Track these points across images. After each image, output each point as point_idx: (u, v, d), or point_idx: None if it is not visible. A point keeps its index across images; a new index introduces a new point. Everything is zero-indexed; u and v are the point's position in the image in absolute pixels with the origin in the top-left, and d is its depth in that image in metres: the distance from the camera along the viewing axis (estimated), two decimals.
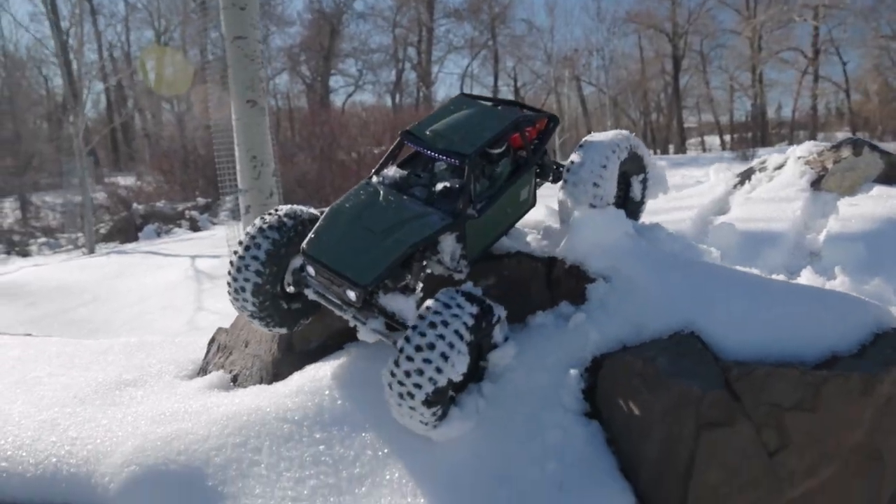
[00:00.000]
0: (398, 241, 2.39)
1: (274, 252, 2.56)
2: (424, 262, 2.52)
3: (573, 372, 2.40)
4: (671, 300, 2.44)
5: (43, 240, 15.38)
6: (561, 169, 2.92)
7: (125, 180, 20.82)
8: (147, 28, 30.64)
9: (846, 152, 5.87)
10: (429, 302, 2.25)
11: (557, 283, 2.71)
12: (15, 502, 2.35)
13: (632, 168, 3.00)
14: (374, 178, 2.66)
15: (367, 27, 40.50)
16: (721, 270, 2.64)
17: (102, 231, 14.93)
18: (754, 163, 7.09)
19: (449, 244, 2.51)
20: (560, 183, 2.88)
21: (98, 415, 2.66)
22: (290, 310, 2.68)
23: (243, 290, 2.56)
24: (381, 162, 2.72)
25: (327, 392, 2.51)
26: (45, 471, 2.40)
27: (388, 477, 2.23)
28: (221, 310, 5.78)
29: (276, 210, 2.67)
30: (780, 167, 6.44)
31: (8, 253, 14.04)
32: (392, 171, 2.67)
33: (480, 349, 2.37)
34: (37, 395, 2.91)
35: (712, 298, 2.40)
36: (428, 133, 2.64)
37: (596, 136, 2.92)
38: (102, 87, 27.07)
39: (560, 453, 2.20)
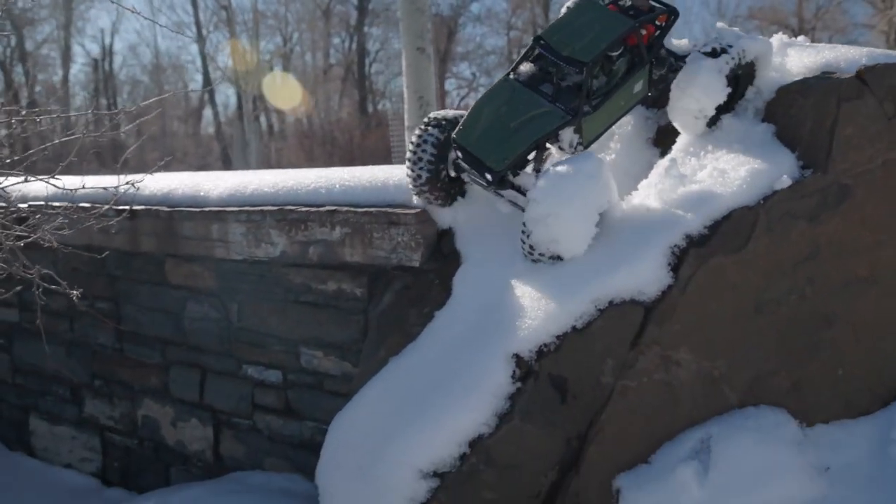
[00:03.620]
0: (526, 136, 2.98)
1: (437, 143, 3.20)
2: (548, 147, 3.13)
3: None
4: None
5: None
6: (679, 62, 3.25)
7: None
8: (276, 34, 32.63)
9: None
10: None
11: None
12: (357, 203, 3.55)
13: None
14: (511, 76, 3.18)
15: (483, 30, 41.03)
16: None
17: None
18: None
19: (567, 135, 3.04)
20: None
21: None
22: (450, 191, 3.35)
23: (420, 177, 3.24)
24: (517, 61, 3.24)
25: None
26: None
27: None
28: None
29: (432, 115, 3.34)
30: None
31: None
32: (526, 68, 3.20)
33: None
34: None
35: None
36: (555, 39, 3.09)
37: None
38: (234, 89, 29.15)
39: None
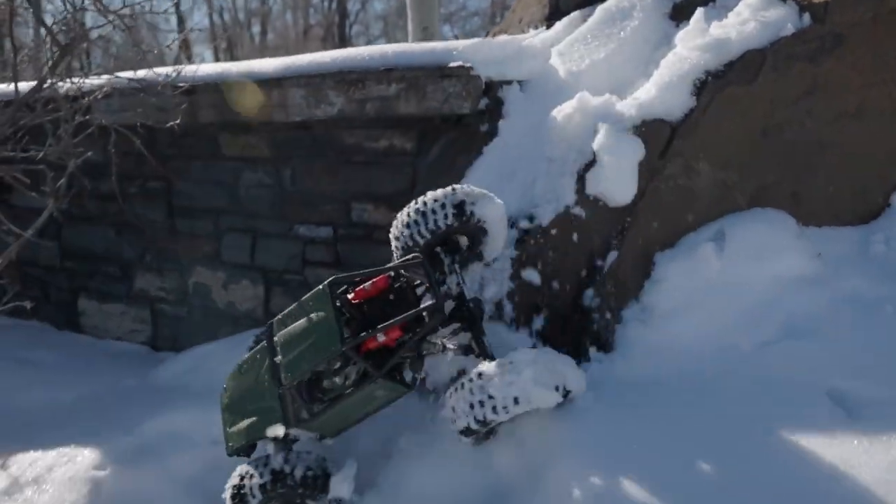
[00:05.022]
0: (247, 433, 2.77)
1: None
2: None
3: None
4: None
5: None
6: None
7: None
8: None
9: None
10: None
11: None
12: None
13: None
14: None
15: None
16: None
17: None
18: None
19: (296, 431, 2.74)
20: None
21: None
22: None
23: None
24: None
25: None
26: None
27: None
28: None
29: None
30: None
31: None
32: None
33: None
34: None
35: None
36: (280, 332, 2.69)
37: None
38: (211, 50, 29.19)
39: None
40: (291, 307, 2.79)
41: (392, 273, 2.67)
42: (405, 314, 2.53)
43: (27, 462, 3.14)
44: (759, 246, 3.11)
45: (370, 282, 2.64)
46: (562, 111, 3.43)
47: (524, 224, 3.24)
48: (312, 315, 2.62)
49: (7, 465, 3.16)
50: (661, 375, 2.82)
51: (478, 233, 2.88)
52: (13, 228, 3.66)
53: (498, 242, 2.98)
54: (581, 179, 3.21)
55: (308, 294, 2.73)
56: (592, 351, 3.03)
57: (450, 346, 2.73)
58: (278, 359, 2.63)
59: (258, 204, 4.72)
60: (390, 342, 2.57)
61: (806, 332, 2.83)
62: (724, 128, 3.35)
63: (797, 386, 2.60)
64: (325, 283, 2.66)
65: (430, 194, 2.94)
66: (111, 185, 4.91)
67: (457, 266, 2.85)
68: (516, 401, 2.46)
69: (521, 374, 2.47)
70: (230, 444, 2.82)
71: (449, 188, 2.92)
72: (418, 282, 2.69)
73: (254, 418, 2.74)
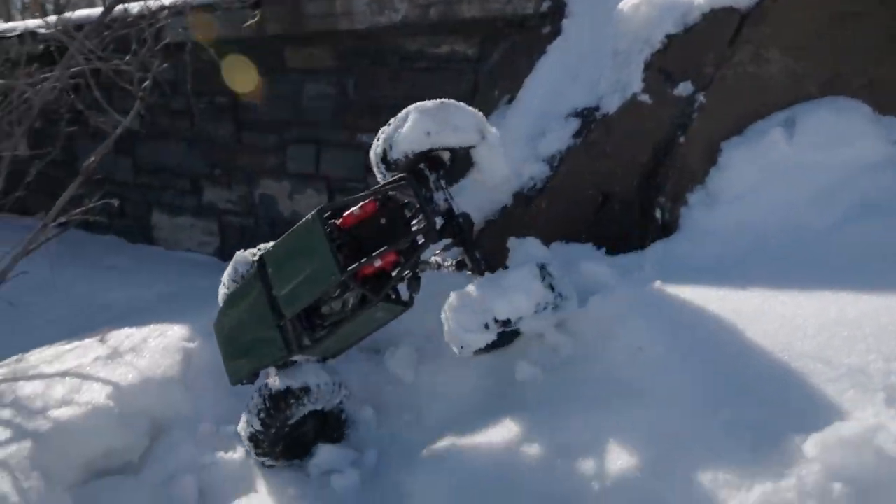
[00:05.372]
0: (250, 361, 2.80)
1: None
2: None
3: None
4: None
5: None
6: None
7: None
8: None
9: None
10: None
11: None
12: None
13: None
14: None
15: None
16: None
17: None
18: None
19: (299, 357, 2.78)
20: None
21: None
22: None
23: None
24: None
25: None
26: None
27: None
28: None
29: None
30: None
31: None
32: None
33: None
34: None
35: None
36: (273, 266, 2.68)
37: None
38: None
39: None
40: (281, 238, 2.71)
41: (379, 196, 2.61)
42: (398, 242, 2.51)
43: (123, 336, 3.39)
44: (831, 132, 3.07)
45: (359, 205, 2.60)
46: (628, 2, 3.40)
47: (588, 114, 3.27)
48: (305, 245, 2.57)
49: (105, 339, 3.41)
50: (726, 255, 2.86)
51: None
52: (115, 116, 3.84)
53: (491, 155, 2.92)
54: (648, 67, 3.21)
55: (297, 224, 2.66)
56: (656, 235, 3.07)
57: (444, 263, 2.79)
58: (275, 291, 2.62)
59: (321, 114, 4.83)
60: (387, 265, 2.56)
61: (882, 212, 2.79)
62: (796, 15, 3.28)
63: (874, 260, 2.58)
64: (313, 212, 2.55)
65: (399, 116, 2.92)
66: (182, 101, 5.08)
67: (443, 182, 2.83)
68: (460, 347, 2.67)
69: (448, 321, 2.65)
70: (233, 376, 2.84)
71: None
72: (406, 202, 2.63)
73: (255, 349, 2.75)
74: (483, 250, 2.90)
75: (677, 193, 3.11)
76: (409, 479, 2.52)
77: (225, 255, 5.52)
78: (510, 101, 3.90)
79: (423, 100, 4.47)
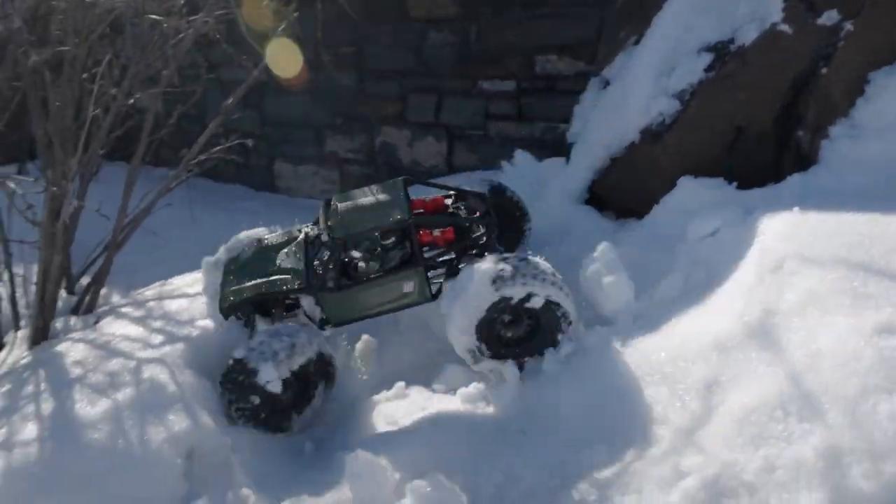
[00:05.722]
0: (267, 286, 2.95)
1: None
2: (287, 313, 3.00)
3: None
4: None
5: None
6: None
7: None
8: None
9: None
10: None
11: None
12: None
13: None
14: (306, 228, 3.17)
15: None
16: None
17: None
18: None
19: (307, 303, 2.96)
20: None
21: None
22: None
23: None
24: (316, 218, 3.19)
25: None
26: None
27: None
28: None
29: None
30: None
31: None
32: (313, 230, 3.13)
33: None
34: None
35: None
36: (342, 204, 2.95)
37: None
38: None
39: None
40: (357, 189, 3.02)
41: (454, 194, 3.02)
42: (465, 217, 2.90)
43: None
44: None
45: (431, 198, 2.98)
46: None
47: (721, 47, 3.19)
48: (383, 192, 2.88)
49: None
50: (868, 185, 2.74)
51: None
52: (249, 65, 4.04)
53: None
54: None
55: (377, 184, 3.02)
56: (793, 168, 2.98)
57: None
58: (331, 221, 2.80)
59: (443, 63, 4.92)
60: (441, 240, 2.81)
61: None
62: None
63: None
64: (399, 178, 2.97)
65: None
66: (311, 52, 5.28)
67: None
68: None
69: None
70: (230, 299, 2.98)
71: None
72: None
73: (272, 277, 2.94)
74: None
75: (818, 125, 3.00)
76: None
77: None
78: (637, 42, 3.85)
79: (545, 46, 4.51)
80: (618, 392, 2.39)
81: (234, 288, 3.03)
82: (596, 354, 2.59)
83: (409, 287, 2.82)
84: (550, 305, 2.62)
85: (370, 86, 5.37)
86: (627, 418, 2.28)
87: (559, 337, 2.67)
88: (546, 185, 4.08)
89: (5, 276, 3.84)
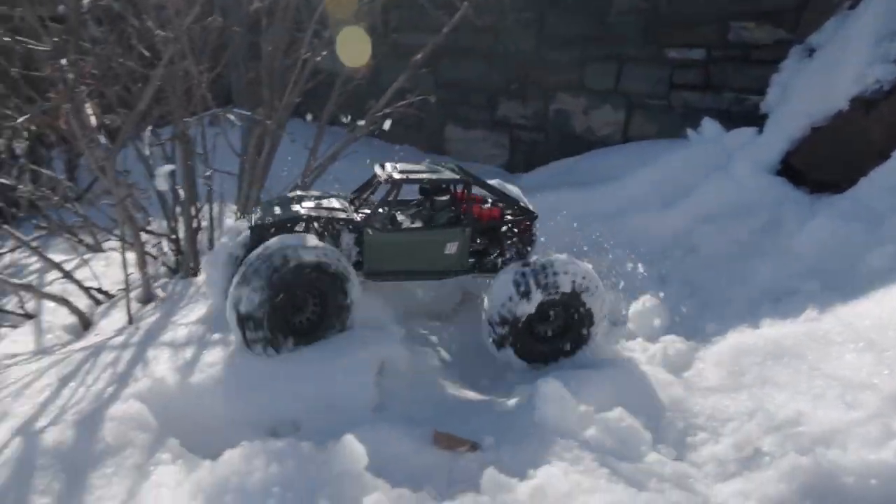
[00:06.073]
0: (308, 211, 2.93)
1: None
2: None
3: None
4: None
5: None
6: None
7: None
8: None
9: None
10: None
11: None
12: None
13: None
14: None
15: None
16: None
17: None
18: None
19: (346, 239, 2.90)
20: None
21: None
22: None
23: None
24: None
25: None
26: None
27: None
28: None
29: None
30: None
31: None
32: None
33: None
34: None
35: None
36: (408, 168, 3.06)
37: None
38: None
39: None
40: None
41: (503, 204, 3.08)
42: (510, 197, 3.08)
43: None
44: None
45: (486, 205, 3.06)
46: None
47: None
48: (438, 167, 3.10)
49: None
50: None
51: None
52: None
53: None
54: None
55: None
56: None
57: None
58: (388, 167, 2.99)
59: (628, 29, 4.83)
60: (489, 214, 2.99)
61: None
62: None
63: None
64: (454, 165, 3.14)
65: None
66: (489, 17, 5.36)
67: None
68: None
69: None
70: (263, 217, 2.92)
71: None
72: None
73: (315, 203, 2.99)
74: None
75: None
76: None
77: (512, 168, 5.81)
78: (853, 6, 3.60)
79: (742, 12, 4.31)
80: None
81: (269, 208, 3.00)
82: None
83: (451, 248, 2.91)
84: None
85: (548, 51, 5.37)
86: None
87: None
88: (732, 157, 3.94)
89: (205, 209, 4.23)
